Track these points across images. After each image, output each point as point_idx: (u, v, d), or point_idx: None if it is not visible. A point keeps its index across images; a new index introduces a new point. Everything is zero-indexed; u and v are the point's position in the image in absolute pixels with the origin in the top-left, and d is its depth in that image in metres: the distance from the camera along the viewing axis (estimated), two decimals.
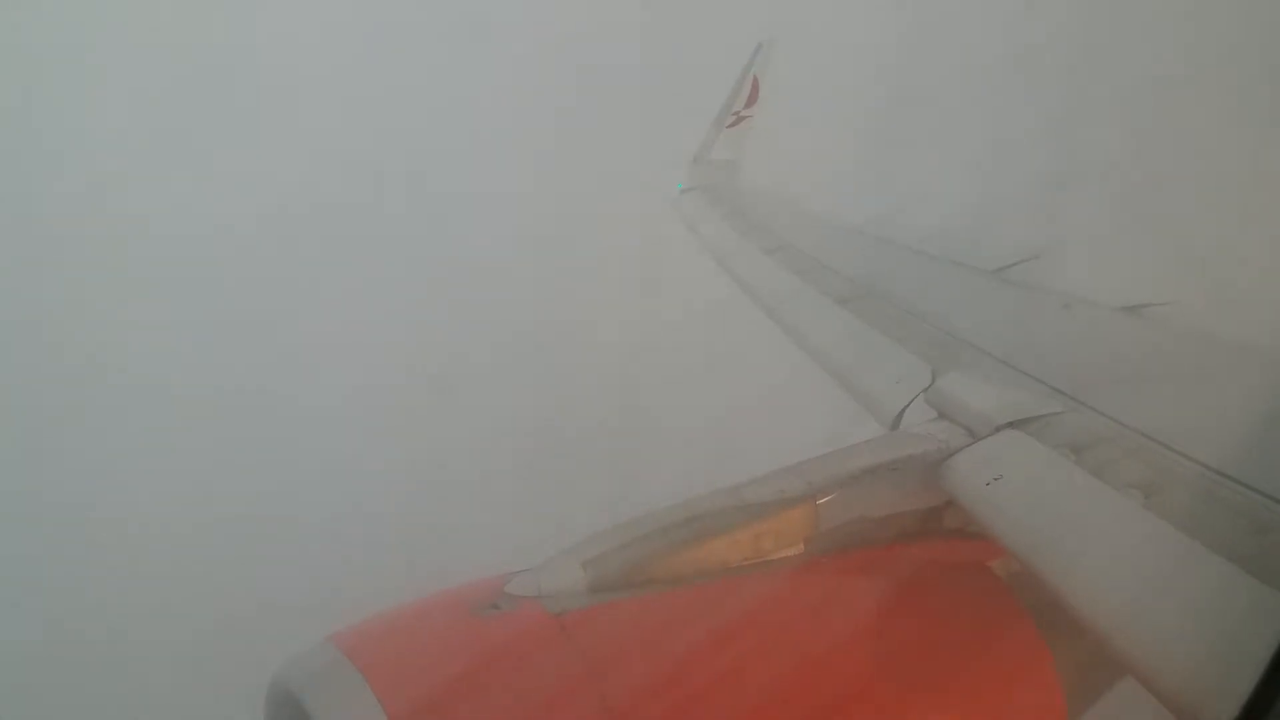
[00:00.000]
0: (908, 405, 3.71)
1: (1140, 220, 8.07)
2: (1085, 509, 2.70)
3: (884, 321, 4.51)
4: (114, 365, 10.77)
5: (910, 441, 3.27)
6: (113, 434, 10.46)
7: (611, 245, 10.96)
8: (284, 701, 2.38)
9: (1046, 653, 2.86)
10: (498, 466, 9.59)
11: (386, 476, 9.69)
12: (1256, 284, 6.04)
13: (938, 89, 10.80)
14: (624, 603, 2.65)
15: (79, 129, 12.56)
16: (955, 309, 4.52)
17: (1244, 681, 1.81)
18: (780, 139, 9.52)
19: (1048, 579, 2.55)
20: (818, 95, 10.86)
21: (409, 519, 9.16)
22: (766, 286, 5.68)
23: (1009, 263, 5.07)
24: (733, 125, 8.85)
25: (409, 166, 12.47)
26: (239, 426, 10.44)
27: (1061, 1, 10.50)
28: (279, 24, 12.93)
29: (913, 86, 10.73)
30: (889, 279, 5.07)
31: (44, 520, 9.71)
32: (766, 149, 8.87)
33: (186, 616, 8.59)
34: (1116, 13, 9.79)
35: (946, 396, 3.59)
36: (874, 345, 4.35)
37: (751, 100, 8.87)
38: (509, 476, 9.45)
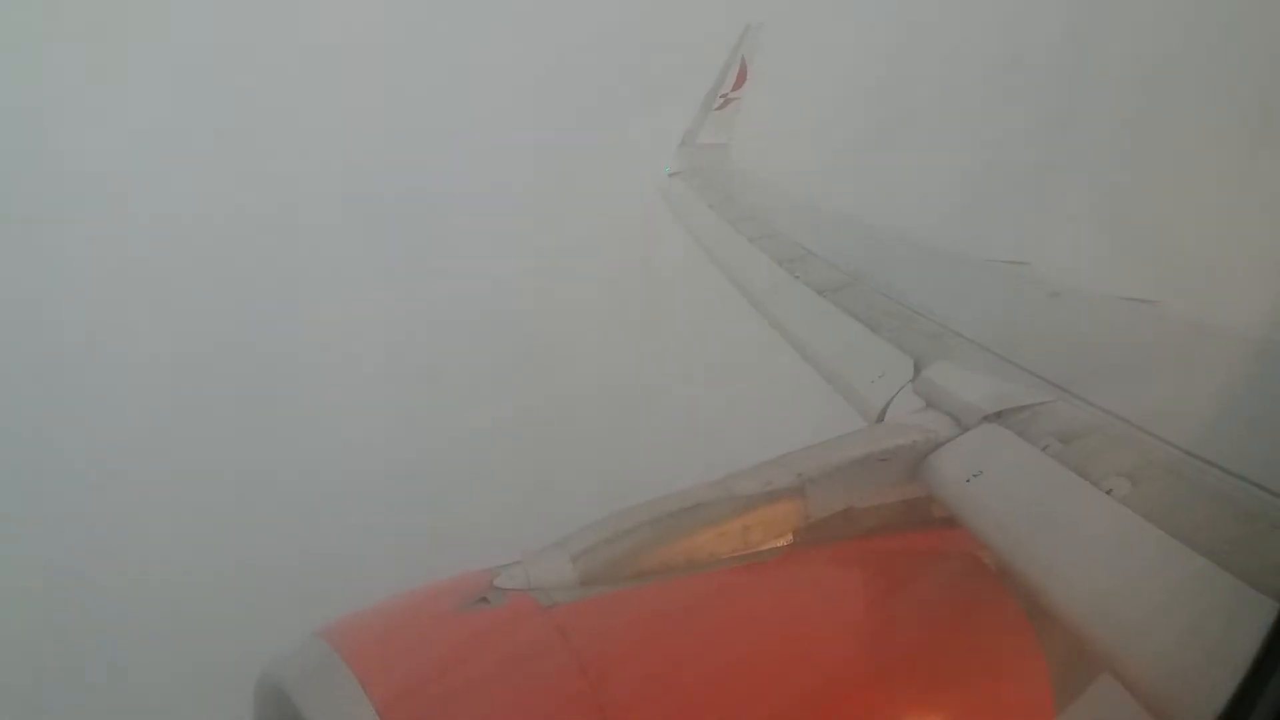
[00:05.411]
0: (890, 401, 3.69)
1: (1126, 217, 8.10)
2: (1064, 506, 2.70)
3: (869, 313, 4.48)
4: (113, 365, 10.75)
5: (898, 432, 3.26)
6: (112, 432, 10.44)
7: (601, 239, 10.95)
8: (273, 697, 2.38)
9: (1036, 643, 2.87)
10: (488, 460, 9.60)
11: (378, 472, 9.72)
12: (1242, 279, 6.06)
13: (929, 80, 10.79)
14: (614, 595, 2.64)
15: (79, 128, 12.47)
16: (943, 298, 4.51)
17: (1223, 683, 1.81)
18: (769, 123, 9.49)
19: (1026, 577, 2.57)
20: (808, 81, 10.82)
21: (401, 512, 9.19)
22: (752, 277, 5.65)
23: (997, 260, 5.06)
24: (721, 108, 8.78)
25: (405, 165, 12.45)
26: (236, 424, 10.45)
27: (1053, 3, 10.51)
28: (279, 25, 12.86)
29: (904, 78, 10.72)
30: (876, 267, 5.04)
31: (43, 521, 9.69)
32: (755, 133, 8.82)
33: (178, 611, 8.60)
34: (1107, 15, 9.80)
35: (934, 386, 3.58)
36: (857, 339, 4.32)
37: (739, 83, 8.80)
38: (499, 470, 9.47)
